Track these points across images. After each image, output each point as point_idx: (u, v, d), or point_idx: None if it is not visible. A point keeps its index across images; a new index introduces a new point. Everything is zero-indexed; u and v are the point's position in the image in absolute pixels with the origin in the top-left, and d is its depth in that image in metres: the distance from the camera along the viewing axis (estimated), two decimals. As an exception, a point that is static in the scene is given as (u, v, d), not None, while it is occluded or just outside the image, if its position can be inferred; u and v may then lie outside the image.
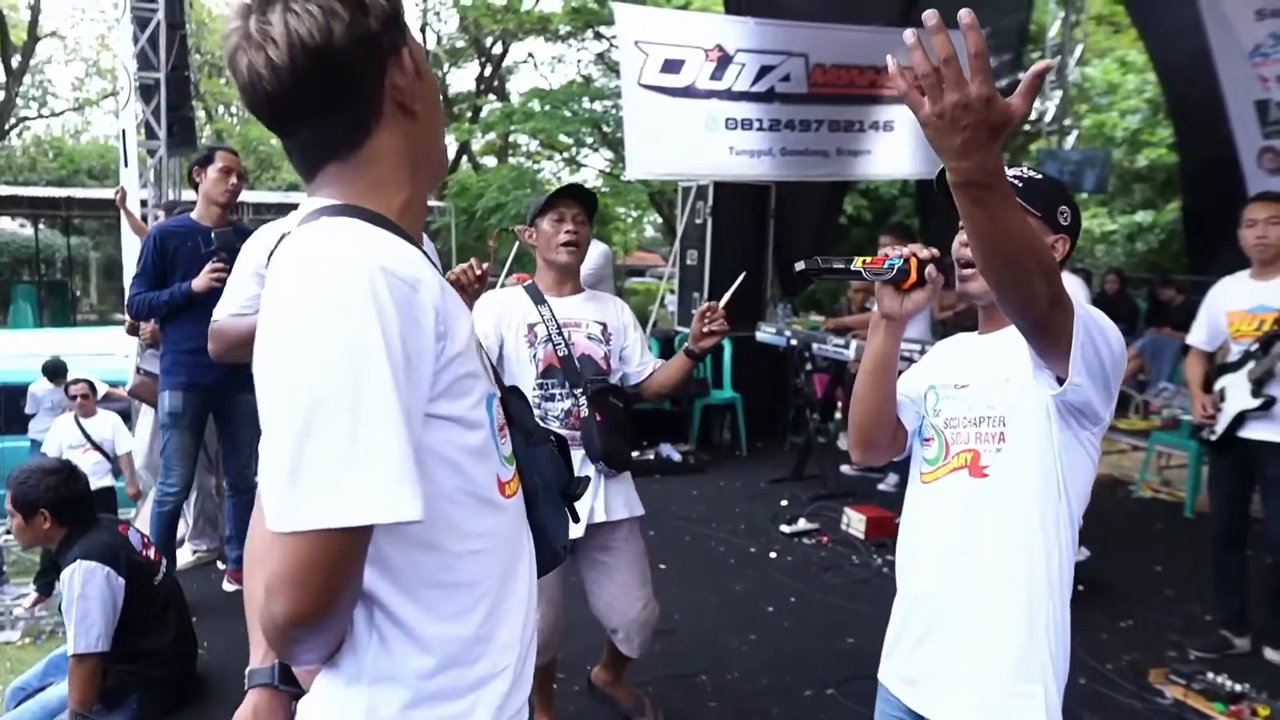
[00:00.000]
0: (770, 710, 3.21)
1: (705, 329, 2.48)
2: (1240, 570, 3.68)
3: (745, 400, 7.09)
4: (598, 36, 17.64)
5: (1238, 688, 3.18)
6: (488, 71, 19.99)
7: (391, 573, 1.00)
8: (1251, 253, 3.47)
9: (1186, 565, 4.57)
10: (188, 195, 8.21)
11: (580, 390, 2.61)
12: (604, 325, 2.71)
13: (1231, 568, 3.69)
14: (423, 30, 19.50)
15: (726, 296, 2.55)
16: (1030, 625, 1.56)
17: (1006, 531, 1.57)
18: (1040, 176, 1.66)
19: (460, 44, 20.16)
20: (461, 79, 21.33)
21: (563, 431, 2.55)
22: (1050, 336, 1.39)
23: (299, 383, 0.89)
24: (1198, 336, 3.75)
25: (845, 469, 6.28)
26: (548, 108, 15.93)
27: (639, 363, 2.75)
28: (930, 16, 1.07)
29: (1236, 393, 3.48)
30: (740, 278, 2.62)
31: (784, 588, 4.33)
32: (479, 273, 2.29)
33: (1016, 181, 1.61)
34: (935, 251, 1.63)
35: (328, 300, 0.90)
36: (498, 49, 19.89)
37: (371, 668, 1.01)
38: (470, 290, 2.31)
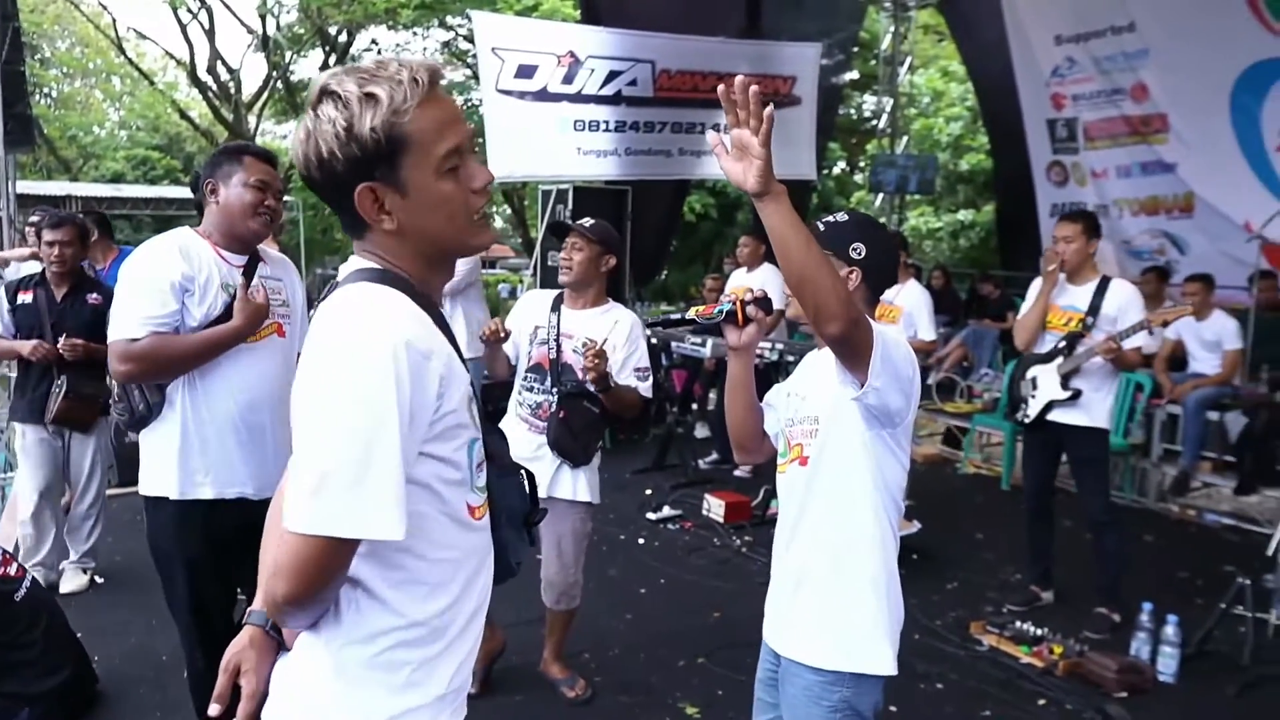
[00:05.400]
0: (649, 681, 3.54)
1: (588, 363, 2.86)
2: (1049, 536, 4.26)
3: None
4: (443, 25, 17.52)
5: (1039, 632, 3.74)
6: (333, 60, 19.44)
7: (382, 566, 1.25)
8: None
9: (1003, 533, 5.20)
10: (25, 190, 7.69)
11: (556, 390, 3.09)
12: (595, 342, 3.09)
13: (1042, 534, 4.27)
14: (262, 18, 18.77)
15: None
16: (855, 578, 1.90)
17: (828, 505, 1.92)
18: (843, 219, 2.01)
19: (301, 31, 19.51)
20: (306, 67, 20.69)
21: (530, 420, 3.16)
22: (853, 349, 1.72)
23: (334, 425, 1.14)
24: None
25: (701, 463, 6.69)
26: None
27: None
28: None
29: (1047, 382, 4.02)
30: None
31: (654, 571, 4.68)
32: (501, 334, 3.02)
33: (820, 225, 1.97)
34: (757, 293, 1.99)
35: (361, 366, 1.14)
36: (343, 37, 19.40)
37: (348, 631, 1.25)
38: (495, 341, 3.02)
